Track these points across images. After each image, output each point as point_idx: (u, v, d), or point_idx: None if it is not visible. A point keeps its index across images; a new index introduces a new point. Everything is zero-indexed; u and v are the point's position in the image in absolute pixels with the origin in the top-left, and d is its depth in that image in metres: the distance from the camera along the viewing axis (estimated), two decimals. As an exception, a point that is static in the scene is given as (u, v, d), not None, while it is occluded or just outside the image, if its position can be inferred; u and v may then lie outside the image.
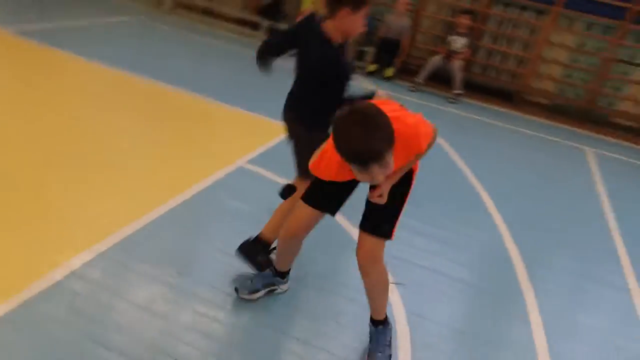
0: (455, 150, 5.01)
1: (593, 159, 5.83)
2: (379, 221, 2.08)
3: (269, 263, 2.54)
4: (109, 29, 7.08)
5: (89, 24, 6.97)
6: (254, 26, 8.44)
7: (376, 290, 2.19)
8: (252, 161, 3.85)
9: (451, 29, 7.51)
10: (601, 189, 4.90)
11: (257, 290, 2.43)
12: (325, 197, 2.18)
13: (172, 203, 3.05)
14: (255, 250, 2.57)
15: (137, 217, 2.84)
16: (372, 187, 2.01)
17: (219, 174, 3.53)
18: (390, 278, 2.71)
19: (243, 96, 5.37)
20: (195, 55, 6.85)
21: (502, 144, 5.90)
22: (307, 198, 2.18)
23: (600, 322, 2.88)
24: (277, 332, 2.30)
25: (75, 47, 5.70)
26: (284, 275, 2.49)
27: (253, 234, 2.67)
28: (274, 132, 4.47)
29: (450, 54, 7.20)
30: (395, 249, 3.16)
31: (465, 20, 7.21)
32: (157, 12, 8.69)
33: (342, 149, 1.69)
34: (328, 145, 1.90)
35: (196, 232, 2.92)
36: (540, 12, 7.34)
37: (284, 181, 3.57)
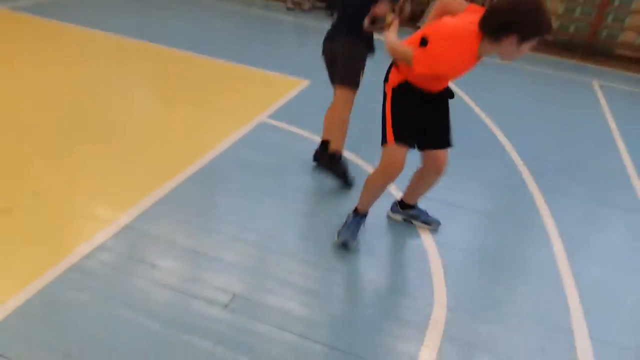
0: (464, 92, 5.10)
1: (600, 90, 5.91)
2: (449, 135, 2.53)
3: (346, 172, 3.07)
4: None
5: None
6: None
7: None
8: (272, 116, 3.95)
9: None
10: (610, 118, 5.01)
11: (356, 236, 2.63)
12: (413, 133, 2.43)
13: (198, 164, 3.16)
14: (335, 163, 3.04)
15: (166, 180, 2.98)
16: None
17: (242, 131, 3.64)
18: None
19: (251, 53, 5.42)
20: (196, 17, 6.84)
21: (510, 82, 5.97)
22: (401, 139, 2.38)
23: (615, 243, 3.05)
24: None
25: (77, 18, 5.71)
26: (365, 215, 2.68)
27: (286, 185, 2.80)
28: (288, 86, 4.58)
29: None
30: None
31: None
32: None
33: (544, 20, 1.98)
34: (440, 51, 2.09)
35: (234, 184, 3.05)
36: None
37: (304, 133, 3.72)
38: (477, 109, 4.72)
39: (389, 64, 2.44)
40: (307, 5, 7.77)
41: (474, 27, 2.06)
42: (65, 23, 5.53)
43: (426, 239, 2.78)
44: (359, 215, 2.65)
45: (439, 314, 2.26)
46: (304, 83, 4.70)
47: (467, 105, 4.81)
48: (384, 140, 2.42)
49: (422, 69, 2.15)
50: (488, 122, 4.48)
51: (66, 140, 3.23)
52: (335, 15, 3.02)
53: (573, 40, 7.55)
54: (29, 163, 2.95)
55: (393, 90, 2.37)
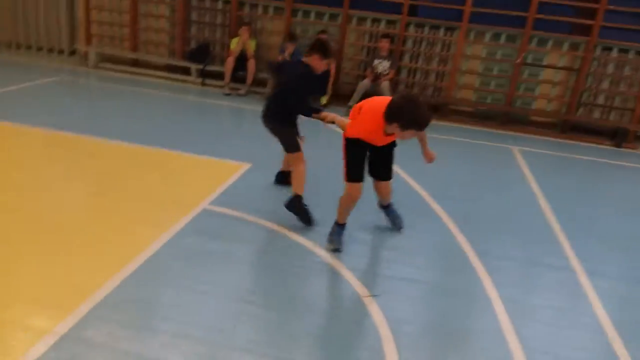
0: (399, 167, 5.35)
1: (519, 154, 6.37)
2: (389, 171, 3.65)
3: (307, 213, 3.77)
4: (37, 91, 6.98)
5: (17, 89, 6.84)
6: (185, 71, 8.58)
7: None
8: (214, 202, 3.96)
9: (374, 53, 7.99)
10: (531, 179, 5.39)
11: (341, 241, 3.48)
12: (362, 172, 3.39)
13: (139, 260, 3.07)
14: (297, 204, 3.75)
15: (106, 279, 2.89)
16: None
17: (184, 221, 3.60)
18: (366, 291, 2.94)
19: (190, 140, 5.47)
20: (129, 106, 6.87)
21: (436, 152, 6.29)
22: (353, 179, 3.34)
23: (552, 301, 3.20)
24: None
25: (5, 113, 5.61)
26: (344, 224, 3.54)
27: (237, 270, 2.77)
28: (230, 171, 4.64)
29: (377, 77, 7.65)
30: (361, 263, 3.39)
31: (385, 44, 7.71)
32: (83, 69, 8.63)
33: (419, 119, 2.95)
34: (362, 121, 3.21)
35: (178, 277, 2.99)
36: (450, 29, 7.98)
37: (248, 217, 3.75)
38: (410, 180, 4.94)
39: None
40: (243, 90, 8.02)
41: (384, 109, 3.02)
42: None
43: (377, 315, 2.81)
44: (339, 225, 3.50)
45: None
46: (245, 166, 4.78)
47: (400, 178, 5.03)
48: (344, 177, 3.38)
49: (352, 132, 3.26)
50: (421, 191, 4.70)
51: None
52: (268, 100, 3.99)
53: (491, 110, 8.19)
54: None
55: (347, 139, 3.32)
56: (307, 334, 2.60)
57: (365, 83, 7.62)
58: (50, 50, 9.36)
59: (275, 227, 3.68)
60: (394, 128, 2.99)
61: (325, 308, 2.87)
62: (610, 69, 7.75)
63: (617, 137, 7.37)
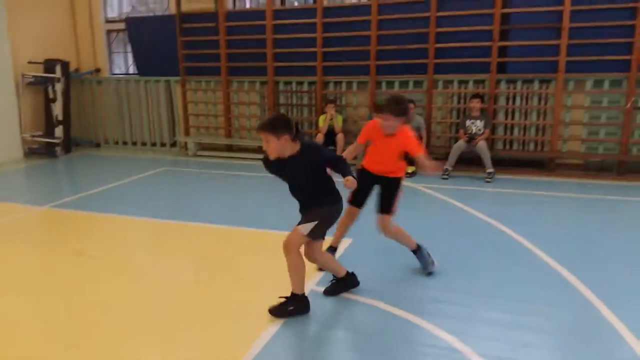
0: (509, 227, 4.90)
1: (649, 208, 5.64)
2: (384, 206, 3.96)
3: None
4: (146, 182, 7.38)
5: (129, 182, 7.27)
6: (276, 151, 8.78)
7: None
8: (320, 283, 3.76)
9: (464, 114, 7.73)
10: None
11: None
12: (359, 195, 3.91)
13: (258, 345, 2.92)
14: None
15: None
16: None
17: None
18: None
19: (287, 220, 5.40)
20: (231, 190, 7.04)
21: (553, 211, 5.76)
22: (351, 202, 3.97)
23: None
24: None
25: (112, 207, 5.91)
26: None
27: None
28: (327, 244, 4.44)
29: (471, 138, 7.33)
30: (493, 348, 2.96)
31: (476, 104, 7.45)
32: (183, 159, 9.12)
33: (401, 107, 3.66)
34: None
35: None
36: (546, 81, 7.57)
37: (360, 298, 3.48)
38: (534, 248, 4.46)
39: None
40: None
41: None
42: (101, 214, 5.69)
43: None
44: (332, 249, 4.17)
45: None
46: (347, 242, 4.57)
47: (526, 248, 4.57)
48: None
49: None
50: (547, 258, 4.20)
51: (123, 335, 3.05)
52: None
53: (605, 161, 7.50)
54: None
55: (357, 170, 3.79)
56: None
57: (460, 144, 7.32)
58: (154, 144, 10.04)
59: (389, 307, 3.38)
60: (387, 118, 3.62)
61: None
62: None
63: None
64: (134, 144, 10.22)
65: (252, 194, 6.81)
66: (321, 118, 8.23)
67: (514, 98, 7.79)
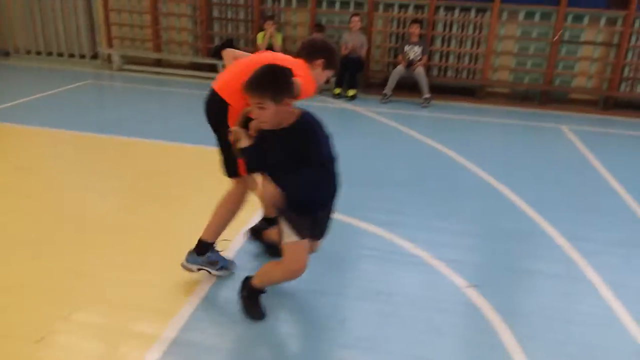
0: (448, 148, 5.17)
1: (570, 134, 6.14)
2: None
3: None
4: (70, 96, 6.84)
5: (48, 95, 6.70)
6: (211, 68, 8.40)
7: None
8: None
9: (403, 39, 7.78)
10: (591, 157, 5.18)
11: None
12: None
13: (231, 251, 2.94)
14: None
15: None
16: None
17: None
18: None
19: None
20: (165, 106, 6.73)
21: (483, 134, 6.12)
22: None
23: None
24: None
25: (37, 119, 5.49)
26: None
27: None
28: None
29: (410, 63, 7.44)
30: (450, 253, 3.19)
31: (415, 30, 7.49)
32: (107, 72, 8.49)
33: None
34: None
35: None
36: (482, 10, 7.74)
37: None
38: (470, 165, 4.75)
39: None
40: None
41: None
42: (28, 126, 5.27)
43: (484, 305, 2.62)
44: None
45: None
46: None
47: (459, 163, 4.84)
48: None
49: None
50: (482, 173, 4.50)
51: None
52: None
53: (530, 90, 7.96)
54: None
55: None
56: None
57: (399, 70, 7.41)
58: (72, 55, 9.21)
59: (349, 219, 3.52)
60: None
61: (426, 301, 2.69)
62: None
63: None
64: (49, 54, 9.31)
65: (185, 110, 6.55)
66: (259, 35, 7.90)
67: (451, 25, 7.92)
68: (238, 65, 2.57)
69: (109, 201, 3.69)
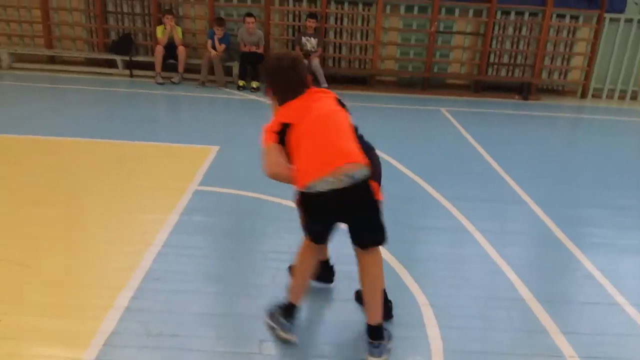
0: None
1: (448, 114, 7.08)
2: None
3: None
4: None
5: None
6: (108, 64, 8.35)
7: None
8: (202, 183, 4.15)
9: (300, 32, 8.31)
10: (464, 133, 6.11)
11: None
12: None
13: (155, 249, 3.25)
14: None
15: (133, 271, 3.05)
16: None
17: (183, 202, 3.78)
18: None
19: (142, 130, 5.51)
20: (64, 103, 6.66)
21: (371, 119, 6.86)
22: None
23: (518, 229, 3.83)
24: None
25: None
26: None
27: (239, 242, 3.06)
28: (202, 154, 4.80)
29: (306, 54, 7.99)
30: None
31: (311, 23, 8.07)
32: (-5, 71, 8.11)
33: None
34: None
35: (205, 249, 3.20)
36: (368, 4, 8.49)
37: (241, 192, 3.99)
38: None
39: None
40: (177, 79, 8.01)
41: None
42: None
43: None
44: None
45: None
46: (215, 149, 4.95)
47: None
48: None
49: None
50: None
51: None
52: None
53: (413, 78, 8.89)
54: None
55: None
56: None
57: (298, 61, 7.93)
58: (-51, 54, 8.61)
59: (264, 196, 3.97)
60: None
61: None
62: (509, 30, 8.72)
63: (523, 91, 8.37)
64: None
65: (94, 106, 6.58)
66: (159, 29, 8.00)
67: (342, 18, 8.59)
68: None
69: (22, 196, 3.81)
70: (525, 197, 4.31)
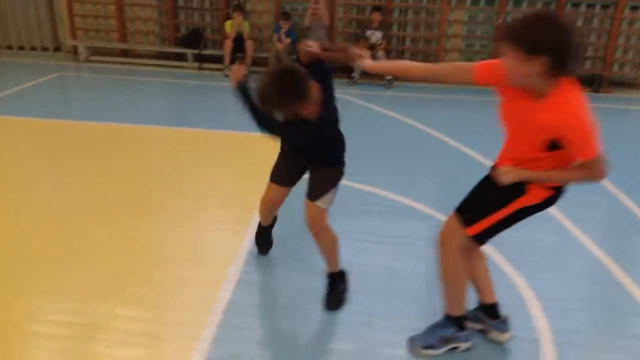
0: (410, 119, 5.84)
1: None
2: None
3: None
4: (43, 88, 6.95)
5: (19, 90, 6.74)
6: (178, 57, 8.66)
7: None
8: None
9: (365, 25, 8.37)
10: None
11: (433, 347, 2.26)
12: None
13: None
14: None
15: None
16: None
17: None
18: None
19: (216, 119, 5.75)
20: (141, 94, 7.00)
21: (439, 108, 6.85)
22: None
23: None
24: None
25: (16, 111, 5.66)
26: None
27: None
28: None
29: (372, 47, 8.03)
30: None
31: (376, 16, 8.10)
32: (73, 64, 8.54)
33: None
34: None
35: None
36: (433, -3, 8.46)
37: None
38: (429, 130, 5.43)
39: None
40: (245, 71, 8.22)
41: None
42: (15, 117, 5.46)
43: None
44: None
45: None
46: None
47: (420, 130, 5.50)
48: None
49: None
50: (449, 140, 5.19)
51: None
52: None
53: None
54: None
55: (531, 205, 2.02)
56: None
57: (363, 54, 7.99)
58: (33, 49, 9.14)
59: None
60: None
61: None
62: (580, 22, 8.46)
63: (594, 83, 8.13)
64: (9, 47, 9.19)
65: (170, 97, 6.88)
66: (227, 24, 8.23)
67: (407, 11, 8.59)
68: None
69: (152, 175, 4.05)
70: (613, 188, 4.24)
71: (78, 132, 5.19)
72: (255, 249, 3.00)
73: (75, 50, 8.79)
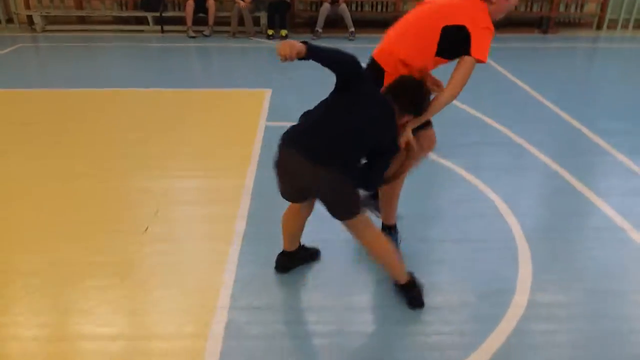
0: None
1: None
2: None
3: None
4: (5, 60, 6.85)
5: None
6: (138, 21, 8.57)
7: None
8: (269, 119, 4.54)
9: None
10: (500, 68, 6.44)
11: None
12: None
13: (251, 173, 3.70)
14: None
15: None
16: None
17: (258, 141, 4.13)
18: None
19: (193, 79, 5.88)
20: (110, 59, 6.98)
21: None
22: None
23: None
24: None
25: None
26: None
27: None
28: (259, 96, 5.17)
29: (334, 0, 8.18)
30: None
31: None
32: (30, 35, 8.34)
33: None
34: None
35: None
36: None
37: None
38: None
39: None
40: (208, 31, 8.26)
41: None
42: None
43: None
44: None
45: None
46: (269, 92, 5.31)
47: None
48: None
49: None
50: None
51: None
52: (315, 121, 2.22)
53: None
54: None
55: None
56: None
57: (325, 7, 8.14)
58: (-19, 20, 8.84)
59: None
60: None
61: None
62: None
63: (543, 25, 8.59)
64: (-44, 21, 8.85)
65: (138, 60, 6.91)
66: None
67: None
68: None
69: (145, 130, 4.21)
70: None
71: (47, 99, 5.23)
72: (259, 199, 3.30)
73: (30, 20, 8.56)
